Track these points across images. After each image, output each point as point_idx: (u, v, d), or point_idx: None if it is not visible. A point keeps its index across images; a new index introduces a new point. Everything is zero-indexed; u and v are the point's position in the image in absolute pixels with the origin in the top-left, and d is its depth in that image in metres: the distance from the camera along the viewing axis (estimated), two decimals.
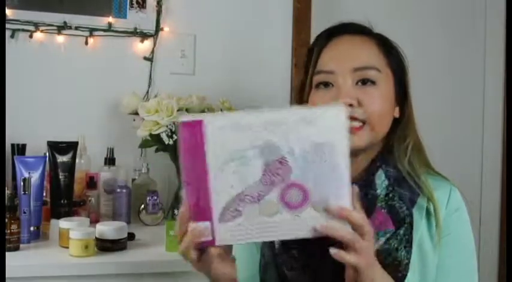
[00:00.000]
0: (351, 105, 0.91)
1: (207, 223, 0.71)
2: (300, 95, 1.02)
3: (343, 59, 0.95)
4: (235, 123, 0.69)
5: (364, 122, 0.93)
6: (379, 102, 0.93)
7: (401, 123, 0.99)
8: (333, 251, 0.73)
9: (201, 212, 0.70)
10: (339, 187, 0.71)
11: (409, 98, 1.00)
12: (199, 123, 0.68)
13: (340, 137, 0.71)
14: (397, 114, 1.00)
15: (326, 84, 0.95)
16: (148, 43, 1.84)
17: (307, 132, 0.70)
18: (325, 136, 0.70)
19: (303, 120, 0.70)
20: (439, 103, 2.12)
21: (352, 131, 0.92)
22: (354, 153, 0.96)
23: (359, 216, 0.73)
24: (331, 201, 0.71)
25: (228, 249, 0.83)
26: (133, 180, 1.73)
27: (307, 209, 0.71)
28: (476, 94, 2.23)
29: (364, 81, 0.93)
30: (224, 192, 0.70)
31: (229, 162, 0.69)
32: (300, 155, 0.70)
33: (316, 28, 1.89)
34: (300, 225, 0.71)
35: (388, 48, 0.99)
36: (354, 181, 0.96)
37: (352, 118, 0.91)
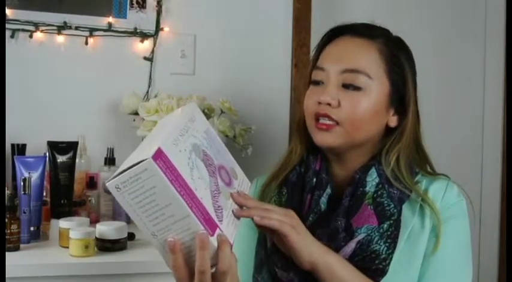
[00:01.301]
0: (329, 104, 0.94)
1: (219, 231, 0.73)
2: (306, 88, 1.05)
3: (336, 58, 0.97)
4: (170, 140, 0.72)
5: (338, 123, 0.94)
6: (359, 108, 0.94)
7: (395, 133, 0.99)
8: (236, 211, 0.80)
9: (210, 223, 0.72)
10: (229, 155, 0.87)
11: (409, 109, 0.99)
12: (160, 153, 0.68)
13: (206, 121, 0.85)
14: (393, 123, 1.00)
15: (317, 83, 0.98)
16: (148, 43, 1.85)
17: (196, 127, 0.80)
18: (204, 124, 0.84)
19: (188, 119, 0.80)
20: (439, 103, 2.12)
21: (323, 127, 0.95)
22: (335, 151, 0.98)
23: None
24: (235, 167, 0.86)
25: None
26: None
27: (234, 181, 0.82)
28: (476, 94, 2.23)
29: (348, 87, 0.94)
30: (206, 198, 0.73)
31: (193, 171, 0.73)
32: (207, 144, 0.80)
33: (316, 28, 1.89)
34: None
35: (391, 57, 0.98)
36: (347, 180, 0.98)
37: (327, 116, 0.94)
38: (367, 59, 0.96)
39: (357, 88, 0.94)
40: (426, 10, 2.15)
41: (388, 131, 1.00)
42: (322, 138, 0.96)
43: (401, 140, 0.98)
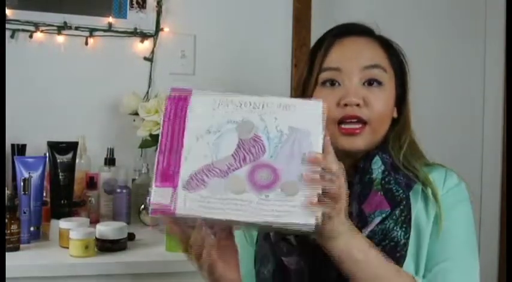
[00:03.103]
0: (358, 105, 0.93)
1: (170, 189, 0.70)
2: (302, 93, 1.02)
3: (351, 57, 0.96)
4: (218, 99, 0.74)
5: (365, 123, 0.94)
6: (384, 103, 0.95)
7: (399, 124, 1.00)
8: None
9: (168, 176, 0.70)
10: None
11: (408, 99, 1.01)
12: (185, 97, 0.73)
13: (315, 127, 0.73)
14: (395, 114, 1.01)
15: (332, 83, 0.96)
16: (148, 43, 1.85)
17: (284, 116, 0.73)
18: (302, 123, 0.73)
19: (282, 105, 0.74)
20: (439, 103, 2.13)
21: (354, 132, 0.93)
22: (355, 153, 0.97)
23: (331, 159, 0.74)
24: (299, 185, 0.70)
25: (233, 252, 0.82)
26: (133, 180, 1.73)
27: (276, 191, 0.70)
28: (476, 94, 2.23)
29: (371, 82, 0.94)
30: (194, 161, 0.70)
31: (206, 134, 0.71)
32: (275, 137, 0.72)
33: (316, 28, 1.89)
34: (266, 208, 0.69)
35: (391, 50, 1.00)
36: (352, 169, 0.98)
37: (357, 118, 0.93)
38: (378, 54, 0.97)
39: (379, 83, 0.95)
40: (426, 10, 2.15)
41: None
42: (351, 144, 0.94)
43: (407, 127, 1.00)
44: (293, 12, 1.96)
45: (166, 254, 1.29)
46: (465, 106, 2.21)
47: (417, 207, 0.94)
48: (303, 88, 1.02)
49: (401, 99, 1.01)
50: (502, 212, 2.22)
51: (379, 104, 0.94)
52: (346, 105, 0.93)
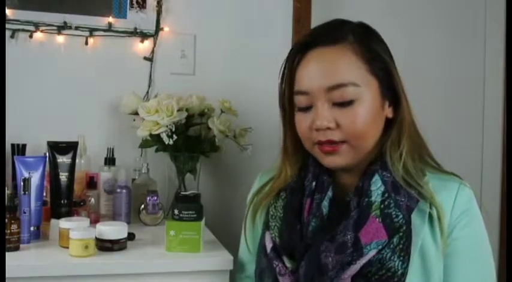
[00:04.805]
0: (328, 128, 0.90)
1: None
2: (283, 111, 1.00)
3: (316, 78, 0.91)
4: None
5: (344, 141, 0.91)
6: (360, 119, 0.90)
7: (395, 125, 0.96)
8: None
9: None
10: None
11: (402, 97, 0.96)
12: None
13: None
14: (390, 115, 0.97)
15: (306, 108, 0.94)
16: (148, 43, 1.84)
17: None
18: None
19: None
20: (439, 103, 2.12)
21: (329, 150, 0.91)
22: (343, 168, 0.96)
23: None
24: None
25: None
26: (133, 180, 1.73)
27: None
28: (476, 94, 2.23)
29: (341, 104, 0.90)
30: None
31: None
32: None
33: None
34: None
35: (368, 53, 0.93)
36: (350, 187, 0.96)
37: (329, 141, 0.91)
38: (348, 67, 0.91)
39: (350, 102, 0.90)
40: (426, 10, 2.15)
41: (387, 122, 0.97)
42: (331, 161, 0.93)
43: (403, 131, 0.95)
44: (293, 12, 1.96)
45: (166, 254, 1.28)
46: (465, 106, 2.21)
47: (424, 230, 0.90)
48: (282, 105, 0.99)
49: (393, 99, 0.96)
50: (502, 212, 2.22)
51: (353, 122, 0.90)
52: (318, 129, 0.91)
